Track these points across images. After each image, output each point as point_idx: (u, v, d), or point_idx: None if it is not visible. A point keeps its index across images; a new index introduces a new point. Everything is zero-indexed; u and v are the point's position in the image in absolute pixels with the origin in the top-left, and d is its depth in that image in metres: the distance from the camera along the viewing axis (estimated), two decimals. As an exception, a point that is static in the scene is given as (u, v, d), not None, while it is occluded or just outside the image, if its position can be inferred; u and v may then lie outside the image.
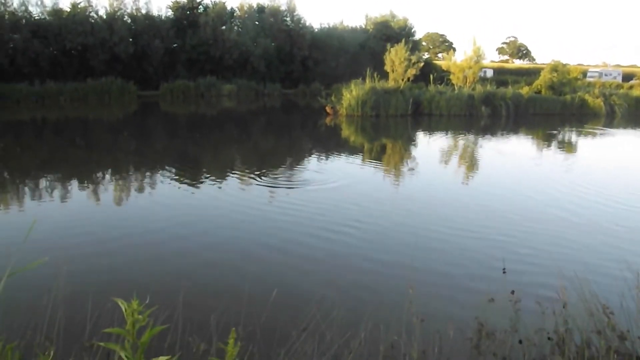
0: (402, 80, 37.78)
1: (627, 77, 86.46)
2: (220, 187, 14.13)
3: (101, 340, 3.20)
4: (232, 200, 12.69)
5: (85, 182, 14.85)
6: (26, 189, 13.94)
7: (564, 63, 49.52)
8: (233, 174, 15.80)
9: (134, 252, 8.92)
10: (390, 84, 37.15)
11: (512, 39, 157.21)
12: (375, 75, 35.63)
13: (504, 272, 4.79)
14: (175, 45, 52.41)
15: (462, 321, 5.02)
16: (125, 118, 35.52)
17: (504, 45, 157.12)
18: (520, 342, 4.43)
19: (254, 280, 7.34)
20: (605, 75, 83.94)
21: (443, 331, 4.39)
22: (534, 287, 6.27)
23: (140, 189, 13.86)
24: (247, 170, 16.16)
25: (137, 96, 45.74)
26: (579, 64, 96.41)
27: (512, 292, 4.56)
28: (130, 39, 49.43)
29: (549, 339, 4.42)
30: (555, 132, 33.19)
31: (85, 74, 46.43)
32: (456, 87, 40.27)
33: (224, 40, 53.13)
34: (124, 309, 2.94)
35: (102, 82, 44.74)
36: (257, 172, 15.72)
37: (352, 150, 22.36)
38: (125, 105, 41.45)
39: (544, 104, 42.63)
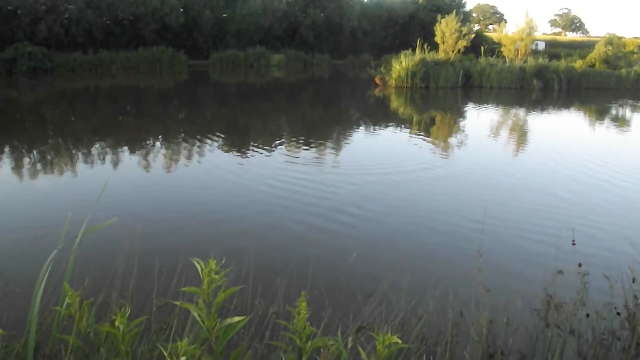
0: (453, 52, 37.29)
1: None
2: (269, 156, 14.19)
3: (174, 300, 3.28)
4: (284, 169, 12.75)
5: (141, 149, 15.13)
6: (88, 153, 14.27)
7: (619, 36, 48.22)
8: (281, 143, 15.82)
9: (199, 215, 9.14)
10: (440, 55, 36.70)
11: (566, 10, 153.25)
12: (425, 46, 35.18)
13: (574, 244, 4.73)
14: (225, 15, 52.57)
15: (530, 292, 4.99)
16: (175, 87, 35.88)
17: (557, 17, 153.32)
18: (587, 315, 4.39)
19: (318, 247, 7.41)
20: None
21: (511, 302, 4.38)
22: (603, 260, 6.19)
23: (195, 157, 14.06)
24: (296, 140, 16.21)
25: (187, 65, 46.15)
26: (635, 37, 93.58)
27: (580, 264, 4.50)
28: (181, 9, 49.77)
29: (617, 314, 4.36)
30: (610, 106, 32.38)
31: (137, 43, 47.05)
32: (507, 60, 39.54)
33: (273, 10, 53.08)
34: (200, 269, 2.99)
35: (153, 52, 45.24)
36: (306, 142, 15.75)
37: (401, 121, 22.22)
38: (175, 74, 41.87)
39: (597, 78, 41.53)
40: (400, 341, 2.99)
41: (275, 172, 12.30)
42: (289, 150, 14.70)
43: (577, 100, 34.76)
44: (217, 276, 3.03)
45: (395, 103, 28.83)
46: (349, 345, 3.49)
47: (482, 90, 35.52)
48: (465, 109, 28.67)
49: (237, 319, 2.99)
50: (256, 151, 14.76)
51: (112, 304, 3.82)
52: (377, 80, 34.29)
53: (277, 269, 6.02)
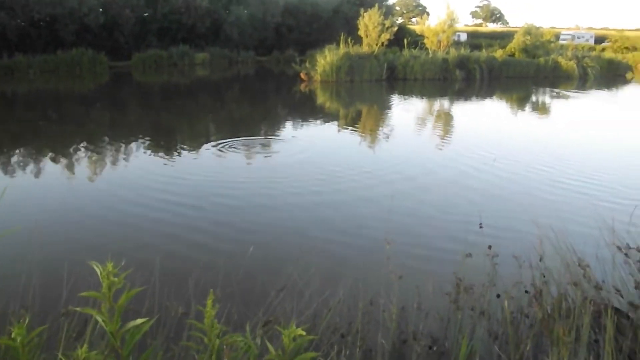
0: (376, 45, 37.56)
1: (599, 39, 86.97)
2: (195, 157, 14.01)
3: (78, 306, 3.17)
4: (207, 167, 12.61)
5: (58, 154, 14.63)
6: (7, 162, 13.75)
7: (537, 26, 49.68)
8: (208, 142, 15.59)
9: (108, 219, 8.84)
10: (364, 49, 36.91)
11: (486, 2, 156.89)
12: (349, 40, 35.31)
13: (481, 227, 4.82)
14: (146, 14, 51.45)
15: (440, 277, 5.06)
16: (97, 89, 34.96)
17: (478, 9, 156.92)
18: (498, 296, 4.47)
19: (230, 244, 7.34)
20: (578, 37, 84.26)
21: (422, 287, 4.42)
22: (511, 241, 6.34)
23: (114, 160, 13.69)
24: (221, 139, 16.01)
25: (109, 67, 44.91)
26: (552, 27, 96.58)
27: (490, 247, 4.58)
28: (100, 9, 48.39)
29: (526, 292, 4.47)
30: (529, 94, 33.41)
31: (55, 45, 45.44)
32: (430, 52, 40.18)
33: (196, 8, 52.23)
34: (99, 272, 2.90)
35: (72, 54, 43.79)
36: (231, 140, 15.59)
37: (328, 116, 22.30)
38: (96, 76, 40.75)
39: (517, 67, 42.79)
40: (304, 333, 2.98)
41: (199, 172, 12.14)
42: (216, 150, 14.48)
43: (498, 89, 35.71)
44: (116, 279, 2.94)
45: (321, 98, 28.90)
46: (259, 340, 3.46)
47: (407, 82, 35.99)
48: (390, 101, 29.03)
49: (140, 321, 2.91)
50: (181, 153, 14.49)
51: (11, 315, 3.67)
52: (302, 75, 34.22)
53: (188, 268, 5.92)
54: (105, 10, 48.49)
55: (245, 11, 55.45)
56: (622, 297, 4.23)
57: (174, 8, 51.59)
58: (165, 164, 13.12)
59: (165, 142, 16.24)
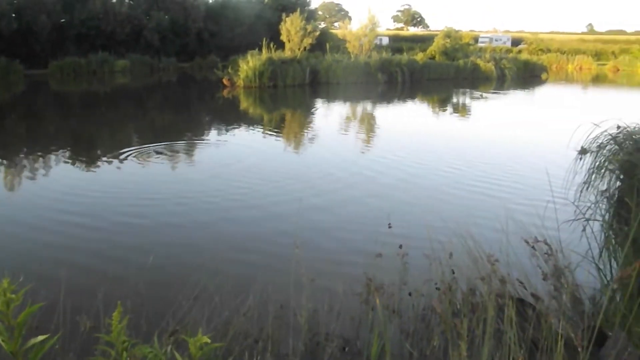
0: (299, 49, 37.73)
1: (515, 42, 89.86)
2: (109, 167, 13.62)
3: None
4: (117, 180, 12.33)
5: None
6: None
7: (457, 29, 51.13)
8: (129, 151, 15.20)
9: (12, 234, 8.52)
10: (287, 53, 37.00)
11: (407, 6, 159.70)
12: (271, 45, 35.30)
13: (390, 227, 4.89)
14: (63, 20, 49.92)
15: (352, 278, 5.10)
16: (11, 99, 33.66)
17: (399, 13, 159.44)
18: (410, 294, 4.55)
19: (140, 255, 7.19)
20: (496, 40, 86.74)
21: (333, 288, 4.45)
22: (421, 240, 6.45)
23: (29, 173, 13.21)
24: (143, 147, 15.72)
25: (24, 75, 43.40)
26: (471, 30, 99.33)
27: (400, 246, 4.66)
28: (13, 15, 46.68)
29: (437, 288, 4.55)
30: (449, 96, 34.22)
31: (-36, 53, 43.69)
32: (352, 56, 40.58)
33: (115, 13, 51.04)
34: (-6, 289, 2.80)
35: (-18, 62, 42.17)
36: (153, 149, 15.34)
37: (250, 122, 22.21)
38: (11, 85, 39.26)
39: (438, 70, 43.81)
40: (209, 340, 2.96)
41: (119, 182, 11.88)
42: (137, 159, 14.17)
43: (420, 91, 36.41)
44: (13, 295, 2.85)
45: (244, 103, 28.80)
46: (168, 350, 3.41)
47: (330, 86, 36.25)
48: (313, 105, 29.18)
49: (42, 337, 2.83)
50: (97, 164, 14.07)
51: None
52: (225, 81, 33.94)
53: (98, 282, 5.79)
54: (18, 15, 46.75)
55: (166, 16, 54.56)
56: (525, 288, 4.38)
57: (92, 14, 50.23)
58: (79, 175, 12.77)
59: (83, 153, 15.73)
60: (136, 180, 12.05)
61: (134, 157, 14.21)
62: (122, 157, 14.22)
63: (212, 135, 18.99)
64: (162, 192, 10.80)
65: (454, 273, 4.55)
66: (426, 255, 4.70)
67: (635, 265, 4.21)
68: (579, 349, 3.36)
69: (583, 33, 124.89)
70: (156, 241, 8.03)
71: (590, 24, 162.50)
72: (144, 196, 10.54)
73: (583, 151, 5.54)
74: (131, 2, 54.38)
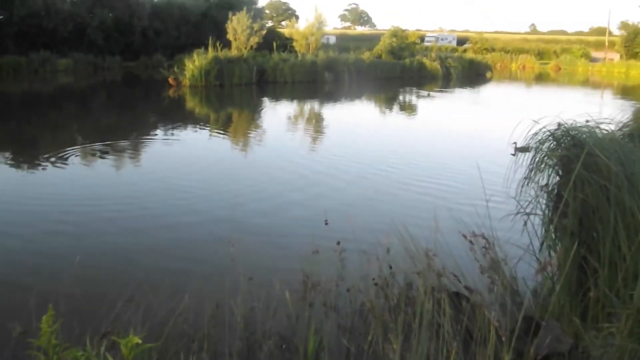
0: (245, 48, 37.59)
1: (461, 41, 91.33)
2: (59, 167, 13.33)
3: None
4: (67, 179, 12.10)
5: None
6: None
7: (403, 29, 51.61)
8: (73, 152, 14.84)
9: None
10: (234, 52, 36.81)
11: (354, 6, 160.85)
12: (218, 44, 35.02)
13: (326, 224, 4.92)
14: (1, 17, 48.52)
15: (289, 275, 5.10)
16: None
17: (346, 12, 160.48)
18: (348, 290, 4.57)
19: (76, 258, 7.07)
20: (442, 39, 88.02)
21: (270, 286, 4.44)
22: (360, 238, 6.48)
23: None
24: (86, 148, 15.41)
25: (-39, 75, 42.10)
26: (417, 30, 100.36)
27: (338, 242, 4.68)
28: (-52, 13, 45.22)
29: (375, 284, 4.59)
30: (394, 95, 34.56)
31: None
32: (299, 54, 40.60)
33: (57, 10, 49.79)
34: None
35: None
36: (97, 149, 15.06)
37: (196, 122, 22.01)
38: (-55, 86, 38.04)
39: (384, 69, 44.22)
40: (140, 341, 2.93)
41: (60, 183, 11.63)
42: (80, 160, 13.89)
43: (366, 90, 36.61)
44: None
45: (190, 103, 28.54)
46: (101, 352, 3.37)
47: (277, 85, 36.21)
48: (259, 104, 29.13)
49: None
50: (42, 166, 13.72)
51: None
52: (170, 81, 33.50)
53: (28, 285, 5.67)
54: (-48, 13, 45.26)
55: (110, 14, 53.46)
56: (460, 282, 4.45)
57: (33, 11, 48.86)
58: (14, 178, 12.48)
59: (19, 155, 15.31)
60: (69, 184, 11.78)
61: (74, 157, 13.93)
62: (61, 158, 13.89)
63: (156, 136, 18.72)
64: (101, 196, 10.61)
65: (391, 268, 4.60)
66: (364, 251, 4.74)
67: (556, 256, 4.36)
68: (502, 339, 3.43)
69: (526, 33, 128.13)
70: (91, 245, 7.89)
71: (533, 24, 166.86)
72: (81, 201, 10.29)
73: (521, 149, 5.69)
74: (74, -1, 53.23)
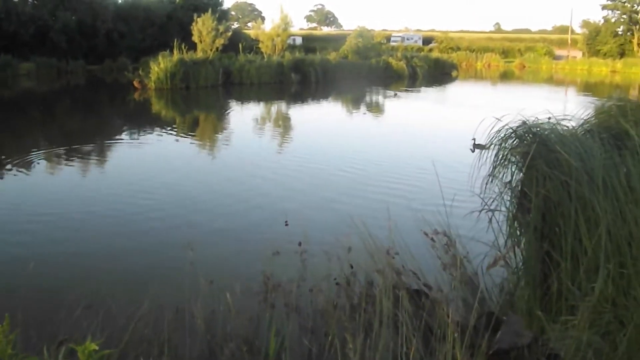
0: (211, 50, 37.44)
1: (426, 40, 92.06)
2: (19, 173, 13.11)
3: None
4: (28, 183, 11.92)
5: None
6: None
7: (369, 29, 51.98)
8: (33, 158, 14.60)
9: None
10: (199, 54, 36.63)
11: (320, 6, 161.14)
12: (183, 46, 34.79)
13: (287, 225, 4.92)
14: (-42, 19, 47.48)
15: (250, 277, 5.10)
16: None
17: (312, 13, 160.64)
18: (310, 290, 4.58)
19: (33, 266, 6.98)
20: (407, 39, 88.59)
21: (230, 289, 4.42)
22: (322, 239, 6.50)
23: None
24: (49, 153, 15.20)
25: None
26: (383, 30, 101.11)
27: (300, 244, 4.68)
28: None
29: (337, 284, 4.60)
30: (361, 95, 34.67)
31: None
32: (265, 56, 40.56)
33: (18, 13, 48.88)
34: None
35: None
36: (60, 154, 14.86)
37: (161, 124, 21.80)
38: None
39: (351, 69, 44.37)
40: (97, 347, 2.89)
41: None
42: (45, 165, 13.69)
43: (333, 90, 36.69)
44: None
45: (156, 106, 28.29)
46: None
47: (243, 86, 36.12)
48: (225, 106, 29.02)
49: None
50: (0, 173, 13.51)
51: None
52: (135, 84, 33.15)
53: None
54: None
55: (73, 17, 52.63)
56: (419, 279, 4.48)
57: (-8, 13, 47.93)
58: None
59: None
60: (28, 191, 11.62)
61: (35, 163, 13.73)
62: (21, 164, 13.66)
63: (120, 140, 18.55)
64: (62, 202, 10.47)
65: (352, 268, 4.61)
66: (325, 251, 4.75)
67: (502, 255, 4.44)
68: (458, 334, 3.47)
69: (491, 32, 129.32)
70: (48, 252, 7.79)
71: (497, 23, 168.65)
72: (40, 209, 10.12)
73: (479, 146, 5.75)
74: (35, 1, 52.30)
